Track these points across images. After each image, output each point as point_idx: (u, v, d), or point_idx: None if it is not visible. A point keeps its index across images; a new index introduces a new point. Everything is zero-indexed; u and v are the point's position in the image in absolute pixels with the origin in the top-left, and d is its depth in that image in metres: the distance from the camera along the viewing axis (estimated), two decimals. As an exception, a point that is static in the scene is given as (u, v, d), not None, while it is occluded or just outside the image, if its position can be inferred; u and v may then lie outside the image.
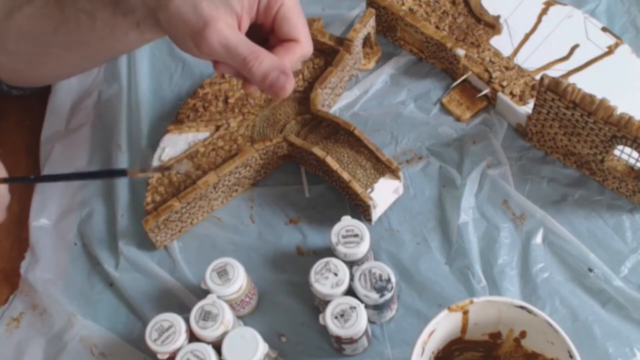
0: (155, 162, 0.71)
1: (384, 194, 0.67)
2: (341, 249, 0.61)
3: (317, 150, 0.68)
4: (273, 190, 0.72)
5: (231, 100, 0.74)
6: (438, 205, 0.69)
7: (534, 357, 0.55)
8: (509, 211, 0.68)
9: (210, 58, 0.58)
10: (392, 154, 0.72)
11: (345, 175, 0.66)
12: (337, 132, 0.70)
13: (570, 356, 0.49)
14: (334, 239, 0.61)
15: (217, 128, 0.72)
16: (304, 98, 0.73)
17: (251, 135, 0.72)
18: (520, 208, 0.67)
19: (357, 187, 0.66)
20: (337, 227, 0.62)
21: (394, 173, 0.67)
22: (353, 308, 0.57)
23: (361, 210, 0.68)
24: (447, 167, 0.71)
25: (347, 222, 0.62)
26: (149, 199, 0.68)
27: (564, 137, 0.67)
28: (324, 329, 0.58)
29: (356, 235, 0.61)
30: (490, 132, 0.72)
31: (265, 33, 0.61)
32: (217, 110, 0.74)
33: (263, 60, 0.57)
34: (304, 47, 0.60)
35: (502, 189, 0.69)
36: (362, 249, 0.61)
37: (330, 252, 0.62)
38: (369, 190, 0.66)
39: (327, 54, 0.76)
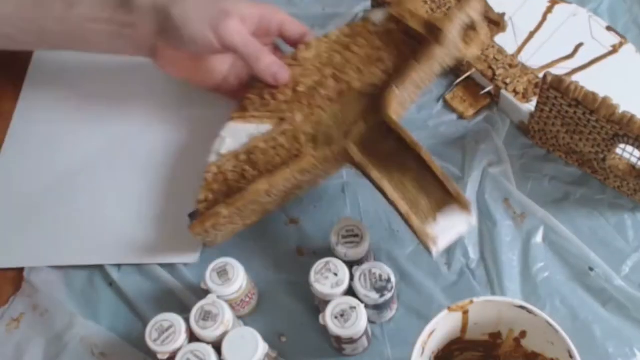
0: (213, 155, 0.65)
1: (448, 228, 0.57)
2: (341, 249, 0.61)
3: (375, 173, 0.58)
4: (273, 189, 0.72)
5: (301, 89, 0.66)
6: (439, 205, 0.68)
7: (534, 357, 0.54)
8: (510, 210, 0.67)
9: (222, 48, 0.64)
10: (393, 152, 0.71)
11: (403, 207, 0.57)
12: (406, 149, 0.59)
13: (570, 356, 0.49)
14: (334, 239, 0.61)
15: (281, 120, 0.66)
16: (378, 96, 0.63)
17: (315, 134, 0.64)
18: (522, 207, 0.67)
19: (414, 221, 0.56)
20: (337, 227, 0.61)
21: (462, 206, 0.56)
22: (353, 308, 0.57)
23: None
24: (448, 166, 0.70)
25: (347, 222, 0.62)
26: (202, 197, 0.64)
27: (566, 135, 0.66)
28: (324, 329, 0.58)
29: (356, 236, 0.61)
30: (493, 130, 0.72)
31: None
32: (284, 99, 0.66)
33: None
34: None
35: (503, 188, 0.68)
36: (362, 249, 0.61)
37: (330, 252, 0.62)
38: (431, 223, 0.56)
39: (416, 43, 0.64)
